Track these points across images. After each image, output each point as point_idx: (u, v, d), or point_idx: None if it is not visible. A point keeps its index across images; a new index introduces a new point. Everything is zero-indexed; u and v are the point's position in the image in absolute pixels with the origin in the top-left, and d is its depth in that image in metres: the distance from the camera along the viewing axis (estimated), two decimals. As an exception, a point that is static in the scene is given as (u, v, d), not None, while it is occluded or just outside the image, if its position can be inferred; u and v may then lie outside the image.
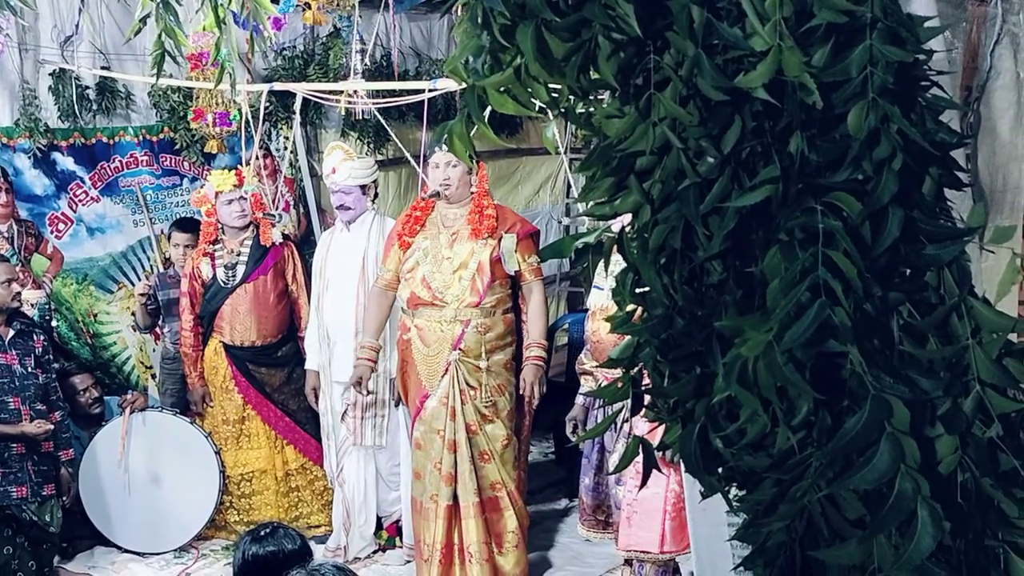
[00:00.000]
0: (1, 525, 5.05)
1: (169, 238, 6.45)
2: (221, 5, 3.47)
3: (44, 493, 5.17)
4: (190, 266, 6.07)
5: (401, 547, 5.89)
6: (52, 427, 5.11)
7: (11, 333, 5.15)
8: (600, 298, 4.79)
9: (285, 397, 6.16)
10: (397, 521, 5.94)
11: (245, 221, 6.04)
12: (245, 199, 6.03)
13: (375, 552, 5.96)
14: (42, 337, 5.33)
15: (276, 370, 6.14)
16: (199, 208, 6.14)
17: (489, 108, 1.83)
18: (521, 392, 5.21)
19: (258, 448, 6.13)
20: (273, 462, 6.14)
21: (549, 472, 7.06)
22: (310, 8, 6.04)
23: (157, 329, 6.50)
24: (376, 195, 5.86)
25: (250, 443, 6.13)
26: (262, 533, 3.28)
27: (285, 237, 6.27)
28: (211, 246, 6.06)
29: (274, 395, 6.14)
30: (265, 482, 6.15)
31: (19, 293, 5.19)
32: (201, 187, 6.34)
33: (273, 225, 6.19)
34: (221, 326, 6.06)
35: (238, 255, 6.05)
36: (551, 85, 1.79)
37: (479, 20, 1.74)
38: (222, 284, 6.03)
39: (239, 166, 6.24)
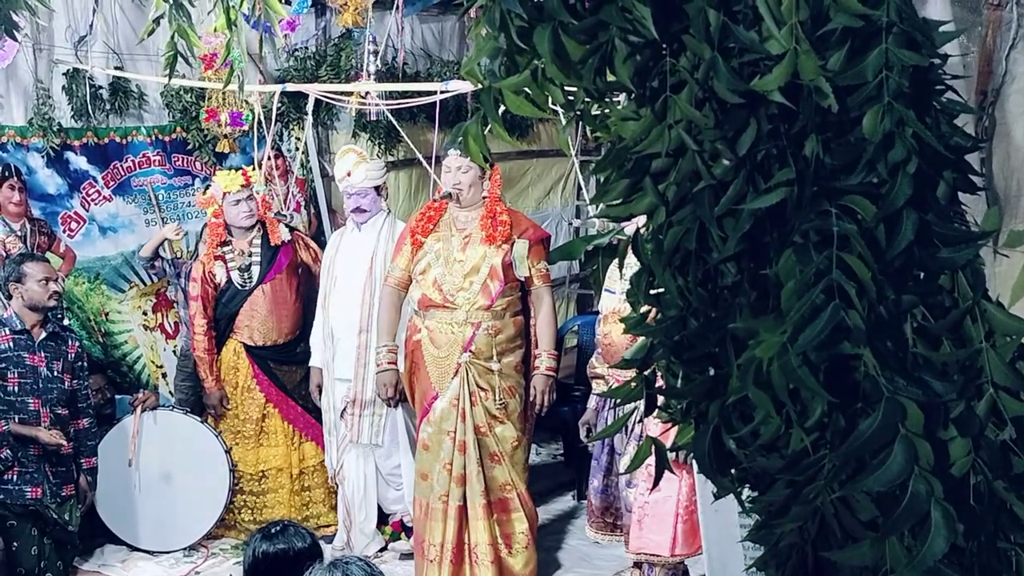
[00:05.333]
0: (28, 525, 5.06)
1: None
2: (233, 7, 3.49)
3: (63, 494, 5.18)
4: (200, 271, 6.06)
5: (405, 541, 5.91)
6: (64, 442, 5.07)
7: (43, 335, 5.13)
8: (612, 301, 4.80)
9: (304, 393, 6.17)
10: (402, 519, 5.95)
11: (252, 221, 6.04)
12: (253, 199, 6.03)
13: (381, 550, 5.97)
14: (76, 343, 5.32)
15: (296, 367, 6.17)
16: (205, 209, 6.14)
17: (503, 109, 1.84)
18: (532, 400, 5.23)
19: (275, 446, 6.17)
20: (290, 460, 6.18)
21: (558, 474, 7.07)
22: (348, 9, 6.06)
23: (171, 326, 6.50)
24: (387, 194, 5.87)
25: (268, 440, 6.16)
26: (272, 531, 3.30)
27: (291, 229, 6.28)
28: (220, 248, 6.06)
29: (295, 392, 6.17)
30: (280, 480, 6.18)
31: (56, 293, 5.15)
32: (206, 189, 6.33)
33: (285, 223, 6.20)
34: (240, 328, 6.08)
35: (249, 256, 6.05)
36: (567, 87, 1.80)
37: (496, 22, 1.75)
38: (239, 287, 6.03)
39: (243, 167, 6.25)
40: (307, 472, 6.25)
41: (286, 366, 6.17)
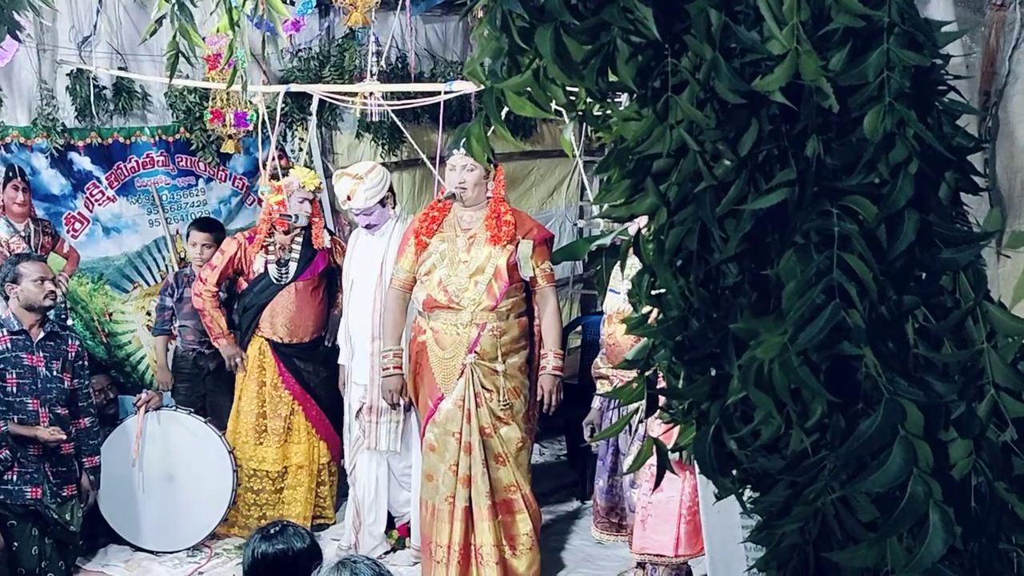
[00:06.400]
0: (28, 525, 5.06)
1: (187, 237, 6.47)
2: (235, 7, 3.50)
3: (64, 494, 5.17)
4: (232, 247, 6.09)
5: (410, 547, 5.91)
6: (64, 437, 5.07)
7: (41, 335, 5.12)
8: (616, 302, 4.80)
9: (325, 394, 6.18)
10: (409, 522, 5.95)
11: (307, 222, 6.09)
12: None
13: (387, 553, 5.96)
14: (76, 343, 5.31)
15: (320, 367, 6.19)
16: (273, 196, 6.07)
17: (506, 110, 1.84)
18: (539, 400, 5.22)
19: (299, 443, 6.22)
20: (311, 457, 6.21)
21: (562, 474, 7.07)
22: (355, 9, 6.06)
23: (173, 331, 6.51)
24: (395, 202, 5.82)
25: (292, 437, 6.20)
26: (271, 531, 3.31)
27: (330, 234, 6.31)
28: (267, 239, 6.09)
29: (318, 391, 6.19)
30: (299, 477, 6.23)
31: (53, 292, 5.14)
32: (277, 177, 6.27)
33: (326, 229, 6.23)
34: (264, 323, 6.10)
35: (289, 252, 6.09)
36: (569, 87, 1.80)
37: (498, 23, 1.75)
38: (273, 280, 6.06)
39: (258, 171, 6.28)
40: (323, 468, 6.32)
41: (311, 365, 6.21)
